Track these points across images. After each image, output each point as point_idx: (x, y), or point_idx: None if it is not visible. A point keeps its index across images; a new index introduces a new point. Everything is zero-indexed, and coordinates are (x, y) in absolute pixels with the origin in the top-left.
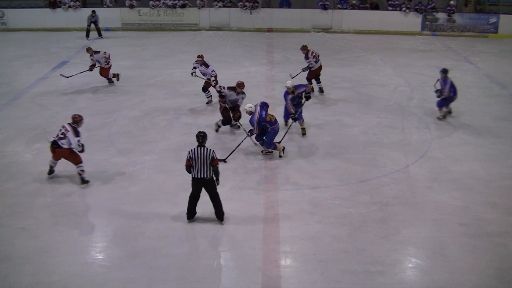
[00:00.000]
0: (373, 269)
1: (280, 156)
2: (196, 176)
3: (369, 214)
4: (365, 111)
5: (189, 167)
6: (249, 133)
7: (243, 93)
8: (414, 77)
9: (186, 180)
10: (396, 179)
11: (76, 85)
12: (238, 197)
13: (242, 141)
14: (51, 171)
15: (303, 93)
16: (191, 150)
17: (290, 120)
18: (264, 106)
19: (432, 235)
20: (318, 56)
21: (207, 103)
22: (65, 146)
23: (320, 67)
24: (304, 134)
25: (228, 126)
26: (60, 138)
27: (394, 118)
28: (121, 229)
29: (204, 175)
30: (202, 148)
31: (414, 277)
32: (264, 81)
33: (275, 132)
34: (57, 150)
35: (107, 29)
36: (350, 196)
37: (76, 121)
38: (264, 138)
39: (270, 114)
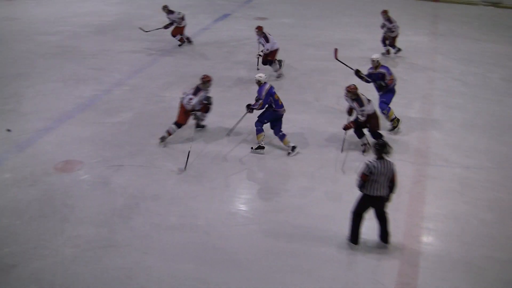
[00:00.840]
0: None
1: (252, 148)
2: (372, 194)
3: None
4: None
5: (364, 183)
6: (249, 110)
7: (357, 100)
8: None
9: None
10: None
11: (237, 38)
12: None
13: (243, 117)
14: (198, 125)
15: (382, 80)
16: (372, 164)
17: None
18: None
19: None
20: None
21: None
22: (183, 102)
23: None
24: (393, 129)
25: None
26: (186, 94)
27: None
28: (267, 184)
29: (383, 193)
30: (383, 160)
31: None
32: (426, 52)
33: (280, 117)
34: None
35: None
36: (502, 180)
37: (204, 81)
38: (262, 121)
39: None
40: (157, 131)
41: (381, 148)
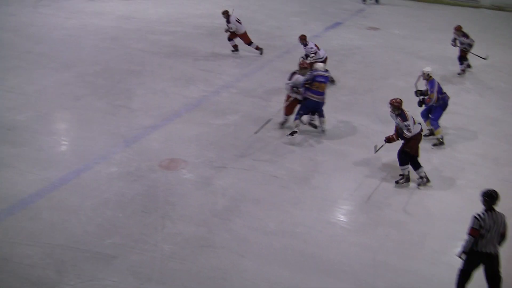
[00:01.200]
0: None
1: (287, 135)
2: (481, 250)
3: None
4: None
5: (476, 239)
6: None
7: (401, 115)
8: None
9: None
10: None
11: (347, 47)
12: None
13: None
14: (311, 124)
15: (424, 95)
16: (481, 217)
17: None
18: (324, 79)
19: None
20: None
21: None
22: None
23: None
24: (436, 144)
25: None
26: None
27: None
28: (369, 197)
29: (493, 250)
30: (493, 212)
31: None
32: None
33: (313, 105)
34: None
35: None
36: None
37: (301, 67)
38: (299, 113)
39: (322, 85)
40: (263, 136)
41: (490, 199)
